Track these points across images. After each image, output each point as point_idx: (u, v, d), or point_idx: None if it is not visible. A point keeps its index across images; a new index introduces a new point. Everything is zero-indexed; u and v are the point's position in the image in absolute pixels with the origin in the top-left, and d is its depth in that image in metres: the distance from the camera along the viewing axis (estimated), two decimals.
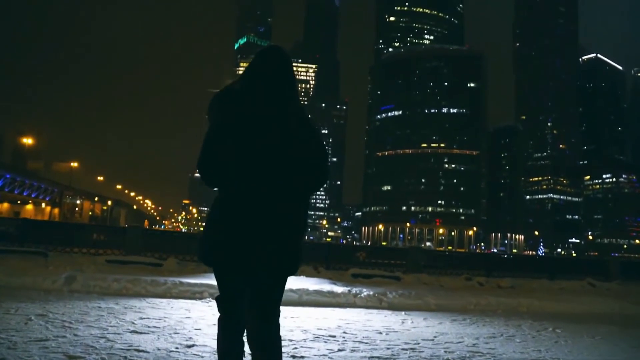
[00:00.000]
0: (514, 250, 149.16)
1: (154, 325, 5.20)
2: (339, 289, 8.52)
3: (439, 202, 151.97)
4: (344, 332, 5.64)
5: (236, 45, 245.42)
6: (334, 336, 5.35)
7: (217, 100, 2.56)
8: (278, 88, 2.57)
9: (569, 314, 8.89)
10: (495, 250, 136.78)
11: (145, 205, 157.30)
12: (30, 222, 18.43)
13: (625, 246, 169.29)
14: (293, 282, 8.54)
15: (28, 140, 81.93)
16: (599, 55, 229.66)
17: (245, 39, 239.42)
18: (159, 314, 6.02)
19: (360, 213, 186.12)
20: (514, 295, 9.89)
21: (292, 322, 6.08)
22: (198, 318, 5.93)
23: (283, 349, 4.44)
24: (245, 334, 2.59)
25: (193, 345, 4.34)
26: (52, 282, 7.23)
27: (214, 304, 7.50)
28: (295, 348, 4.59)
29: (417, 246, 41.84)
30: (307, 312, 7.06)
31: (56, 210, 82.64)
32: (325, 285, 8.64)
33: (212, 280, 8.08)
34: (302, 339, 5.06)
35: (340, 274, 12.68)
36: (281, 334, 5.07)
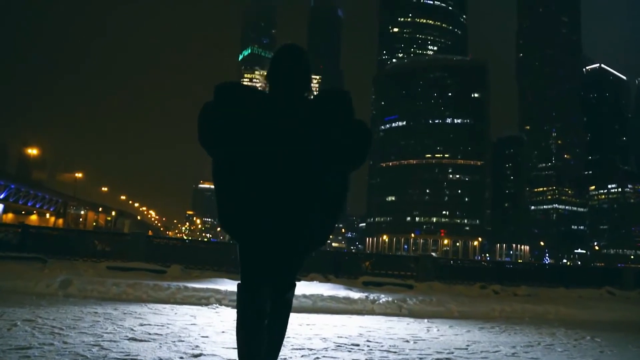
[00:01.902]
0: (519, 261, 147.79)
1: (155, 332, 4.63)
2: (355, 294, 7.94)
3: (444, 212, 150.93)
4: (368, 341, 5.07)
5: (240, 57, 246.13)
6: (358, 345, 4.78)
7: (223, 90, 2.63)
8: (288, 86, 2.64)
9: (600, 322, 8.28)
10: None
11: (149, 216, 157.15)
12: (29, 229, 17.92)
13: (632, 257, 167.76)
14: (306, 288, 7.98)
15: (33, 151, 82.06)
16: (602, 65, 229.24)
17: (249, 50, 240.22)
18: (162, 320, 5.45)
19: (364, 224, 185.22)
20: (540, 302, 9.29)
21: (309, 329, 5.51)
22: (205, 325, 5.36)
23: (303, 359, 3.90)
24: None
25: (200, 355, 3.77)
26: (46, 285, 6.67)
27: (221, 310, 6.97)
28: (317, 358, 4.01)
29: (427, 254, 41.31)
30: (322, 320, 6.47)
31: (60, 221, 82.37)
32: (340, 291, 8.07)
33: (219, 285, 7.54)
34: (322, 348, 4.48)
35: (351, 281, 12.13)
36: (299, 342, 4.49)
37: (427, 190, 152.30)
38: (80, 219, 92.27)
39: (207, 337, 4.60)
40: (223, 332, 4.95)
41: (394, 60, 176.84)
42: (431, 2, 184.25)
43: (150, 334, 4.50)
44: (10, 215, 74.60)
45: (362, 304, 7.57)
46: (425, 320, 7.22)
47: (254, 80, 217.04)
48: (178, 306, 6.73)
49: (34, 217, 78.64)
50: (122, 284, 6.98)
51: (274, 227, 2.50)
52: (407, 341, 5.27)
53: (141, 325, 4.96)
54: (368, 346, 4.76)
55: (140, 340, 4.12)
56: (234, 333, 4.86)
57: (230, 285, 7.64)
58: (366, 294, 8.06)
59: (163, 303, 6.87)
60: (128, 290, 6.88)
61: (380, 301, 7.72)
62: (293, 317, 2.89)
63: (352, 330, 5.77)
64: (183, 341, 4.27)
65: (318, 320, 6.31)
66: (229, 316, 6.14)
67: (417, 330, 6.24)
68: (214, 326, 5.29)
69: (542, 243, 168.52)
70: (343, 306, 7.40)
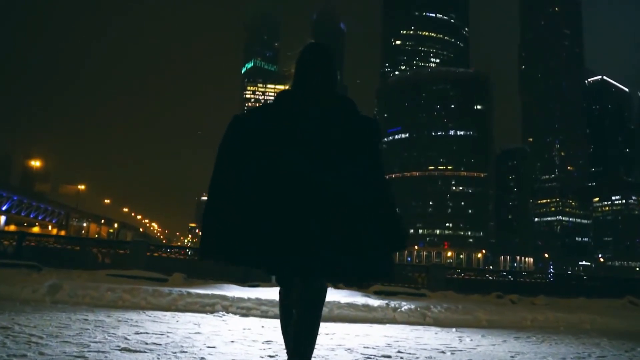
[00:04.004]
0: (523, 274, 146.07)
1: (153, 341, 3.94)
2: (374, 302, 7.24)
3: (447, 224, 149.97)
4: (399, 352, 4.38)
5: (243, 70, 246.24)
6: (389, 356, 4.08)
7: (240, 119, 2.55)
8: (303, 85, 2.59)
9: None
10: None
11: (151, 228, 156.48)
12: (27, 236, 17.33)
13: (637, 268, 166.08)
14: None
15: (36, 163, 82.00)
16: (604, 77, 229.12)
17: (252, 63, 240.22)
18: (161, 328, 4.75)
19: None
20: (573, 311, 8.58)
21: (329, 339, 4.83)
22: (211, 334, 4.67)
23: None
24: None
25: None
26: (32, 291, 5.97)
27: (228, 318, 6.26)
28: None
29: (438, 263, 40.72)
30: (342, 329, 5.79)
31: (62, 233, 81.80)
32: (358, 298, 7.37)
33: (226, 291, 6.82)
34: None
35: (362, 291, 11.47)
36: (321, 353, 3.75)
37: (431, 203, 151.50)
38: (83, 231, 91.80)
39: (213, 347, 3.91)
40: (232, 342, 4.27)
41: (396, 72, 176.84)
42: (433, 15, 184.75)
43: (147, 343, 3.82)
44: (12, 227, 74.10)
45: (383, 312, 6.87)
46: (453, 329, 6.53)
47: (257, 92, 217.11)
48: (180, 314, 6.04)
49: (36, 229, 78.22)
50: (118, 290, 6.28)
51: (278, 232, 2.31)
52: (443, 352, 4.59)
53: (137, 333, 4.28)
54: (401, 358, 4.07)
55: (134, 351, 3.44)
56: (244, 343, 4.21)
57: (237, 291, 6.96)
58: (386, 302, 7.36)
59: (163, 310, 6.17)
60: (125, 297, 6.19)
61: (403, 309, 7.02)
62: None
63: (378, 340, 5.08)
64: (186, 352, 3.59)
65: (337, 329, 5.63)
66: (237, 325, 5.46)
67: (449, 340, 5.55)
68: (221, 335, 4.60)
69: (546, 255, 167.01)
70: (362, 314, 6.70)
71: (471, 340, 5.66)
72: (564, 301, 13.13)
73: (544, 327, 7.45)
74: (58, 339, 3.67)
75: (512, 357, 4.59)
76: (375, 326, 6.31)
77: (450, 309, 7.29)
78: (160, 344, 3.82)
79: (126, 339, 3.94)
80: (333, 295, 7.39)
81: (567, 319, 7.86)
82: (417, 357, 4.16)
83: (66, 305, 5.83)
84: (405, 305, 7.16)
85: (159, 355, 3.36)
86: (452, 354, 4.53)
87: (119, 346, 3.56)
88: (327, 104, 2.53)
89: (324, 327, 5.55)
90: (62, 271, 10.43)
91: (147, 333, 4.36)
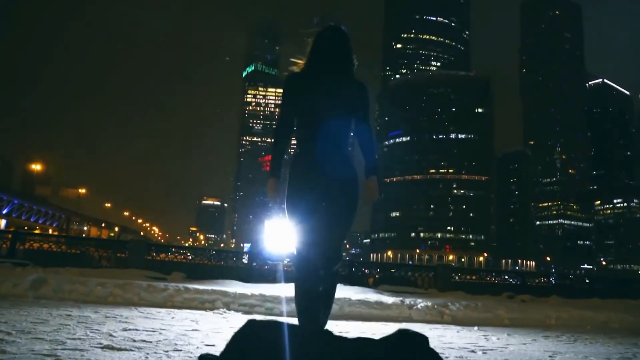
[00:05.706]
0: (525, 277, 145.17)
1: (142, 338, 3.39)
2: (388, 299, 6.69)
3: (448, 228, 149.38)
4: None
5: (244, 73, 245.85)
6: None
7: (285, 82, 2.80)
8: (331, 66, 2.68)
9: None
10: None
11: (152, 232, 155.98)
12: (21, 235, 16.82)
13: (639, 272, 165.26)
14: None
15: (37, 167, 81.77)
16: (605, 80, 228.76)
17: (252, 67, 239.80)
18: (154, 325, 4.20)
19: (368, 240, 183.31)
20: (599, 310, 8.03)
21: None
22: (210, 331, 4.12)
23: None
24: None
25: None
26: (13, 285, 5.42)
27: (230, 315, 5.69)
28: None
29: (446, 264, 40.22)
30: (356, 327, 5.24)
31: None
32: (370, 295, 6.83)
33: (227, 287, 6.21)
34: None
35: (374, 288, 10.95)
36: None
37: (432, 206, 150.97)
38: (83, 235, 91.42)
39: (212, 345, 3.37)
40: None
41: (397, 76, 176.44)
42: (434, 19, 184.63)
43: (135, 340, 3.27)
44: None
45: (398, 310, 6.31)
46: (475, 327, 5.98)
47: (258, 96, 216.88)
48: (177, 310, 5.49)
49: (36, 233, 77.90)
50: (109, 284, 5.73)
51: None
52: (473, 351, 4.05)
53: (125, 330, 3.73)
54: None
55: (119, 349, 2.89)
56: None
57: (240, 287, 6.42)
58: (401, 299, 6.80)
59: (158, 307, 5.62)
60: (116, 292, 5.63)
61: (419, 306, 6.46)
62: None
63: None
64: (180, 350, 3.05)
65: (351, 328, 5.09)
66: (239, 322, 4.92)
67: (474, 339, 5.02)
68: (222, 333, 4.05)
69: (548, 258, 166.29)
70: (376, 312, 6.15)
71: (498, 339, 5.13)
72: (577, 302, 12.63)
73: (570, 325, 6.91)
74: (30, 335, 3.12)
75: (550, 356, 4.06)
76: (391, 324, 5.75)
77: (470, 306, 6.74)
78: (150, 342, 3.28)
79: (111, 335, 3.40)
80: (343, 291, 6.84)
81: (593, 317, 7.31)
82: (447, 357, 3.63)
83: (50, 301, 5.26)
84: (421, 303, 6.60)
85: (147, 354, 2.82)
86: (483, 353, 4.00)
87: (100, 344, 3.02)
88: (338, 93, 2.61)
89: (335, 325, 5.02)
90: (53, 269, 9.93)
91: (136, 330, 3.81)
